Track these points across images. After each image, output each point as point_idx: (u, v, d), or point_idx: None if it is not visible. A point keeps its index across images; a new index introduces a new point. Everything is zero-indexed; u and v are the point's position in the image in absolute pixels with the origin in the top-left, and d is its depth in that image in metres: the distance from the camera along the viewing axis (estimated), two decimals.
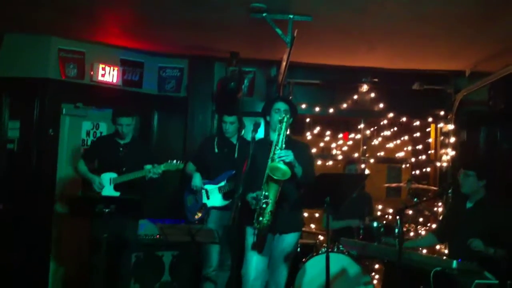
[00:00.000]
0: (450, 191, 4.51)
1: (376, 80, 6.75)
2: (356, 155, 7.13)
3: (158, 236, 5.63)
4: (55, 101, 6.05)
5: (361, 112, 6.96)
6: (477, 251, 4.04)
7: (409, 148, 7.65)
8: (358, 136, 7.27)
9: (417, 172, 7.31)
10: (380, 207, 7.06)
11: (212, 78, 6.69)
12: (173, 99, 6.78)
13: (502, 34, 5.12)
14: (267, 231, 4.10)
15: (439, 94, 6.84)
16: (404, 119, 6.96)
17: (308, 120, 7.26)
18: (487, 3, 4.36)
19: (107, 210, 4.22)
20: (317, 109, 6.80)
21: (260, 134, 5.49)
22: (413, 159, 7.32)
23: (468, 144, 6.82)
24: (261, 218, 3.99)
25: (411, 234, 5.96)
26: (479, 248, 4.04)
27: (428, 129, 7.26)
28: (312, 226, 7.05)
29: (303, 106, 6.75)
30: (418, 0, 4.38)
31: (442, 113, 6.84)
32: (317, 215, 7.38)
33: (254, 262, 4.16)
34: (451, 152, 6.73)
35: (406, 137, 7.53)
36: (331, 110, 6.80)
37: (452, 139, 6.78)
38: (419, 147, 7.36)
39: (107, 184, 5.11)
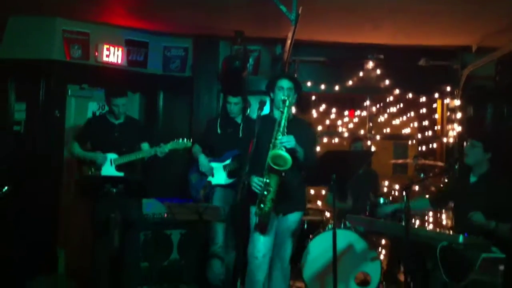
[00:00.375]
0: (456, 166, 4.50)
1: (381, 56, 6.72)
2: (362, 132, 7.12)
3: (166, 215, 5.68)
4: (60, 82, 6.06)
5: (366, 89, 6.93)
6: (478, 225, 4.04)
7: (415, 124, 7.63)
8: (364, 113, 7.26)
9: (424, 148, 7.30)
10: (386, 183, 7.07)
11: (217, 57, 6.66)
12: (178, 79, 6.77)
13: (507, 9, 5.07)
14: (269, 217, 4.11)
15: (445, 70, 6.79)
16: (410, 95, 6.93)
17: (313, 98, 7.25)
18: None
19: (115, 190, 4.24)
20: (322, 86, 6.78)
21: (266, 111, 5.48)
22: (419, 135, 7.31)
23: (475, 120, 6.80)
24: (262, 205, 3.99)
25: None
26: (480, 222, 4.03)
27: (434, 105, 7.23)
28: (319, 203, 7.08)
29: (309, 84, 6.73)
30: None
31: (448, 89, 6.80)
32: (323, 192, 7.40)
33: (262, 240, 4.17)
34: (458, 128, 6.72)
35: (412, 114, 7.51)
36: (336, 88, 6.78)
37: (459, 115, 6.76)
38: (426, 123, 7.34)
39: (108, 165, 5.11)
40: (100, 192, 4.28)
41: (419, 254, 4.19)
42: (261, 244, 4.16)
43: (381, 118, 7.59)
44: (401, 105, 7.37)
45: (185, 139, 5.22)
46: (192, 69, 6.74)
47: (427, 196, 5.13)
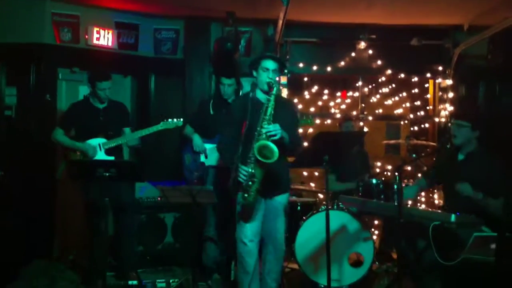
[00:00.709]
0: (448, 146, 4.52)
1: (373, 36, 6.70)
2: (354, 113, 7.13)
3: (159, 198, 5.69)
4: (51, 66, 6.02)
5: (359, 69, 6.93)
6: (466, 196, 4.04)
7: (408, 104, 7.65)
8: (356, 94, 7.27)
9: (416, 128, 7.32)
10: (379, 164, 7.10)
11: (209, 39, 6.62)
12: (170, 61, 6.73)
13: None
14: (253, 206, 4.07)
15: (437, 49, 6.80)
16: (402, 75, 6.93)
17: (306, 79, 7.24)
18: None
19: (107, 174, 4.23)
20: (314, 67, 6.76)
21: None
22: (411, 116, 7.33)
23: (467, 99, 6.81)
24: (246, 195, 3.94)
25: None
26: (466, 192, 4.04)
27: (426, 85, 7.23)
28: (312, 184, 7.11)
29: (301, 65, 6.73)
30: None
31: (440, 68, 6.81)
32: (316, 173, 7.42)
33: (248, 226, 4.14)
34: (450, 108, 6.73)
35: (404, 94, 7.53)
36: (329, 69, 6.77)
37: (451, 94, 6.77)
38: (418, 103, 7.36)
39: (97, 150, 5.09)
40: (92, 176, 4.26)
41: (412, 233, 4.23)
42: (247, 230, 4.13)
43: (373, 99, 7.60)
44: (393, 85, 7.38)
45: (175, 119, 5.15)
46: (184, 51, 6.70)
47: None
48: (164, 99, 6.77)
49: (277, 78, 4.15)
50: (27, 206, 5.68)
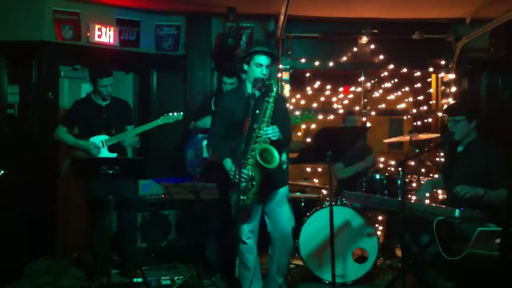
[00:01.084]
0: (453, 142, 4.50)
1: (375, 31, 6.68)
2: (357, 108, 7.11)
3: (163, 195, 5.70)
4: (52, 64, 6.01)
5: (361, 64, 6.91)
6: (468, 198, 3.98)
7: (410, 99, 7.62)
8: (359, 89, 7.24)
9: (419, 123, 7.30)
10: (382, 159, 7.08)
11: (210, 35, 6.61)
12: (171, 58, 6.72)
13: None
14: (250, 209, 4.07)
15: (439, 43, 6.77)
16: (404, 70, 6.91)
17: (308, 74, 7.22)
18: None
19: (111, 172, 4.23)
20: (316, 63, 6.74)
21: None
22: (414, 110, 7.31)
23: (469, 93, 6.80)
24: (244, 197, 3.92)
25: (414, 185, 6.00)
26: (465, 191, 3.99)
27: (429, 79, 7.21)
28: (316, 180, 7.10)
29: (303, 60, 6.71)
30: None
31: (443, 62, 6.79)
32: (320, 169, 7.41)
33: (246, 223, 4.14)
34: (452, 102, 6.71)
35: (407, 88, 7.50)
36: (331, 64, 6.75)
37: (453, 89, 6.75)
38: (420, 97, 7.34)
39: (101, 147, 5.08)
40: (96, 173, 4.26)
41: (416, 228, 4.22)
42: (245, 229, 4.13)
43: (376, 94, 7.58)
44: (396, 80, 7.35)
45: (175, 113, 5.09)
46: (185, 47, 6.68)
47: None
48: (166, 95, 6.76)
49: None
50: (30, 204, 5.68)
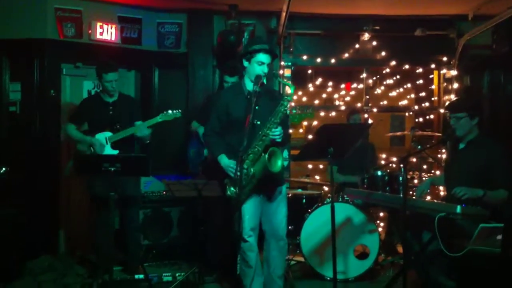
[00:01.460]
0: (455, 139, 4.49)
1: (377, 28, 6.67)
2: (359, 105, 7.10)
3: (165, 192, 5.70)
4: (54, 61, 6.01)
5: (363, 61, 6.90)
6: (466, 198, 3.93)
7: (412, 96, 7.62)
8: (361, 86, 7.24)
9: (421, 119, 7.30)
10: (384, 156, 7.08)
11: (212, 32, 6.61)
12: (173, 55, 6.73)
13: None
14: (242, 203, 4.07)
15: (442, 40, 6.76)
16: (406, 66, 6.90)
17: (309, 71, 7.22)
18: None
19: (113, 169, 4.23)
20: (318, 60, 6.74)
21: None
22: (416, 107, 7.30)
23: (472, 89, 6.79)
24: (240, 193, 3.90)
25: (415, 181, 6.00)
26: (464, 192, 3.94)
27: (431, 76, 7.20)
28: (317, 177, 7.10)
29: (304, 57, 6.71)
30: None
31: (445, 59, 6.78)
32: (321, 166, 7.41)
33: (246, 223, 4.12)
34: (454, 99, 6.70)
35: (409, 85, 7.50)
36: (332, 61, 6.75)
37: (455, 85, 6.74)
38: (422, 94, 7.33)
39: (105, 145, 5.09)
40: (98, 171, 4.27)
41: (417, 225, 4.22)
42: (246, 227, 4.12)
43: (378, 90, 7.57)
44: (398, 76, 7.35)
45: (174, 110, 5.10)
46: (187, 44, 6.68)
47: None
48: (167, 92, 6.76)
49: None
50: (31, 201, 5.70)
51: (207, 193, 4.65)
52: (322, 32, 6.74)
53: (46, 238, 5.85)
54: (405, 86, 7.52)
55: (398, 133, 6.83)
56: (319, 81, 7.26)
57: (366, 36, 6.69)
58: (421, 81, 7.23)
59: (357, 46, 6.75)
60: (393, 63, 6.80)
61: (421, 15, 6.59)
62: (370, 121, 6.92)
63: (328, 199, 5.35)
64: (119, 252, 5.31)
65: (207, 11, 6.55)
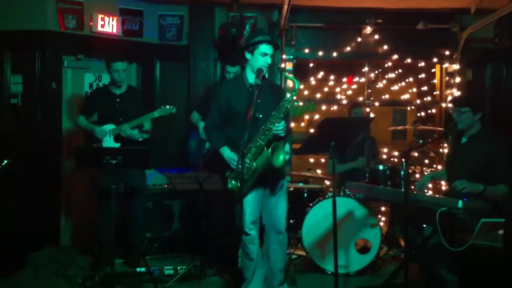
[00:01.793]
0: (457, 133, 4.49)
1: (379, 21, 6.64)
2: (360, 99, 7.09)
3: (166, 185, 5.71)
4: (55, 54, 6.00)
5: (365, 54, 6.87)
6: (466, 192, 3.94)
7: (414, 90, 7.61)
8: (363, 79, 7.22)
9: (423, 114, 7.28)
10: (385, 150, 7.07)
11: (213, 25, 6.59)
12: (174, 48, 6.71)
13: None
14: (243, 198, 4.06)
15: (444, 33, 6.73)
16: (408, 60, 6.88)
17: (311, 65, 7.20)
18: None
19: (114, 162, 4.23)
20: (320, 53, 6.72)
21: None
22: (418, 101, 7.28)
23: (474, 83, 6.77)
24: (241, 186, 3.87)
25: (417, 176, 6.00)
26: (464, 186, 3.95)
27: (433, 70, 7.19)
28: (319, 171, 7.10)
29: (306, 50, 6.69)
30: None
31: (447, 52, 6.75)
32: (323, 160, 7.42)
33: (248, 216, 4.12)
34: (457, 93, 6.69)
35: (411, 79, 7.49)
36: (334, 54, 6.72)
37: (458, 79, 6.72)
38: (424, 88, 7.32)
39: (107, 136, 5.11)
40: (99, 163, 4.27)
41: (418, 219, 4.22)
42: (247, 220, 4.11)
43: (380, 84, 7.56)
44: (400, 70, 7.33)
45: (169, 106, 5.04)
46: (188, 37, 6.67)
47: None
48: (169, 85, 6.76)
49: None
50: (33, 194, 5.70)
51: (209, 186, 4.65)
52: (324, 25, 6.71)
53: (48, 230, 5.87)
54: (407, 80, 7.51)
55: (400, 127, 6.83)
56: (320, 74, 7.25)
57: (368, 30, 6.67)
58: (423, 75, 7.21)
59: (359, 39, 6.73)
60: (395, 56, 6.78)
61: (423, 9, 6.56)
62: (372, 115, 6.91)
63: (329, 193, 5.35)
64: (121, 245, 5.32)
65: (208, 4, 6.53)
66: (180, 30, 6.68)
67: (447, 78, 6.89)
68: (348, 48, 6.73)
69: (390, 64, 7.05)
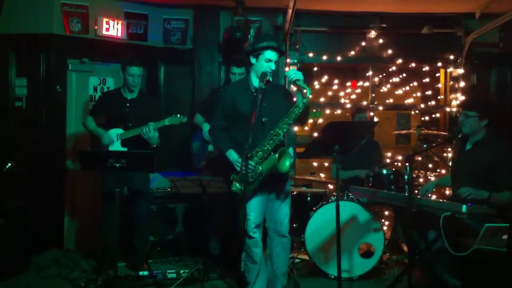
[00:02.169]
0: (460, 136, 4.47)
1: (384, 25, 6.63)
2: (364, 103, 7.08)
3: (169, 189, 5.71)
4: (60, 57, 6.02)
5: (369, 59, 6.87)
6: (471, 199, 3.93)
7: (418, 94, 7.59)
8: (367, 83, 7.21)
9: (427, 118, 7.27)
10: (389, 154, 7.05)
11: (218, 28, 6.60)
12: (179, 51, 6.72)
13: None
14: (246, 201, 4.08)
15: (449, 38, 6.72)
16: (413, 64, 6.87)
17: (315, 68, 7.20)
18: None
19: (118, 165, 4.23)
20: (324, 57, 6.71)
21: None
22: (422, 105, 7.27)
23: (478, 87, 6.76)
24: (245, 189, 3.93)
25: (421, 180, 5.98)
26: (469, 193, 3.96)
27: (437, 74, 7.17)
28: (322, 175, 7.09)
29: (310, 54, 6.69)
30: None
31: (451, 57, 6.74)
32: (326, 164, 7.40)
33: (252, 219, 4.13)
34: (461, 97, 6.67)
35: (415, 83, 7.47)
36: (339, 58, 6.72)
37: (462, 84, 6.71)
38: (429, 92, 7.30)
39: (114, 140, 5.11)
40: (103, 167, 4.28)
41: (422, 224, 4.21)
42: (251, 223, 4.12)
43: (384, 89, 7.55)
44: (404, 74, 7.31)
45: (180, 115, 5.06)
46: (193, 40, 6.68)
47: None
48: (173, 88, 6.77)
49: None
50: (37, 196, 5.70)
51: (212, 189, 4.65)
52: (329, 29, 6.71)
53: (52, 233, 5.87)
54: (411, 84, 7.49)
55: (404, 132, 6.81)
56: (325, 78, 7.24)
57: (372, 34, 6.66)
58: (427, 79, 7.19)
59: (363, 43, 6.72)
60: (400, 61, 6.76)
61: (428, 13, 6.56)
62: (376, 119, 6.90)
63: (333, 197, 5.34)
64: (124, 248, 5.32)
65: (213, 7, 6.54)
66: (184, 33, 6.70)
67: (452, 82, 6.88)
68: (352, 52, 6.72)
69: (394, 68, 7.03)
